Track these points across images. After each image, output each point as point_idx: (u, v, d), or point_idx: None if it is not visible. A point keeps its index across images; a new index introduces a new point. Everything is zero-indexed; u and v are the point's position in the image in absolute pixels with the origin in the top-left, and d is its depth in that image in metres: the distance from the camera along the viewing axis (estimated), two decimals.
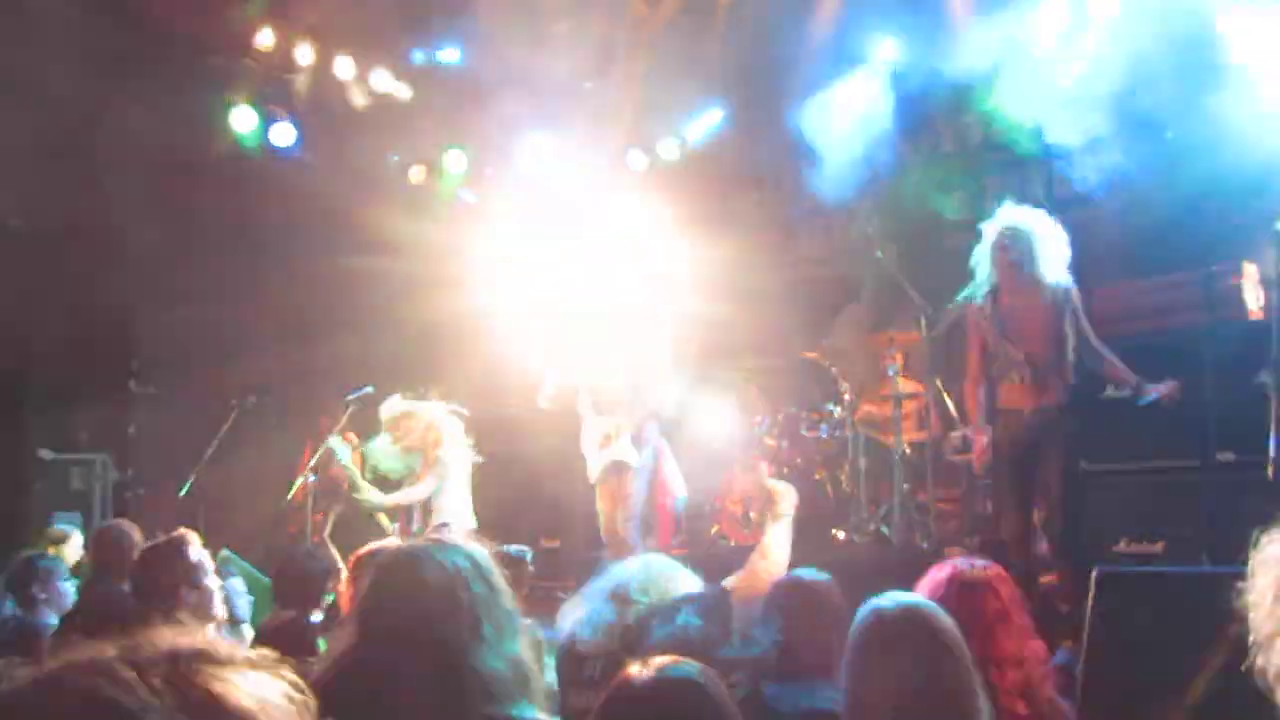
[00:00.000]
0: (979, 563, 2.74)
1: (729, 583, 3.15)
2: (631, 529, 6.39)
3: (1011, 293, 5.49)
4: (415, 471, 6.86)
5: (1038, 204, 6.12)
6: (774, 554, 3.38)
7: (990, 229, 5.57)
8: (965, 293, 5.69)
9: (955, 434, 7.29)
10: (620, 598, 2.73)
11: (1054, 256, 5.47)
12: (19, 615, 4.48)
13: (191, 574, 3.12)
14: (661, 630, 2.43)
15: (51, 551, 5.27)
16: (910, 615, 2.08)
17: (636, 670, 1.81)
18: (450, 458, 6.76)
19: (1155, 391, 5.42)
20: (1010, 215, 5.58)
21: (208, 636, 0.93)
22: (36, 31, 7.45)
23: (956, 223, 8.06)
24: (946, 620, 2.08)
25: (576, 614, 2.80)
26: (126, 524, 4.96)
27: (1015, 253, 5.41)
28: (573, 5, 8.01)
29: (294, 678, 0.94)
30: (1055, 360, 5.44)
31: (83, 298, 8.68)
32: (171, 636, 0.91)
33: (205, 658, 0.89)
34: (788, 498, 3.50)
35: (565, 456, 7.41)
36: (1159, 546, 5.77)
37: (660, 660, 1.83)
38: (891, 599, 2.14)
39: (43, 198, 8.35)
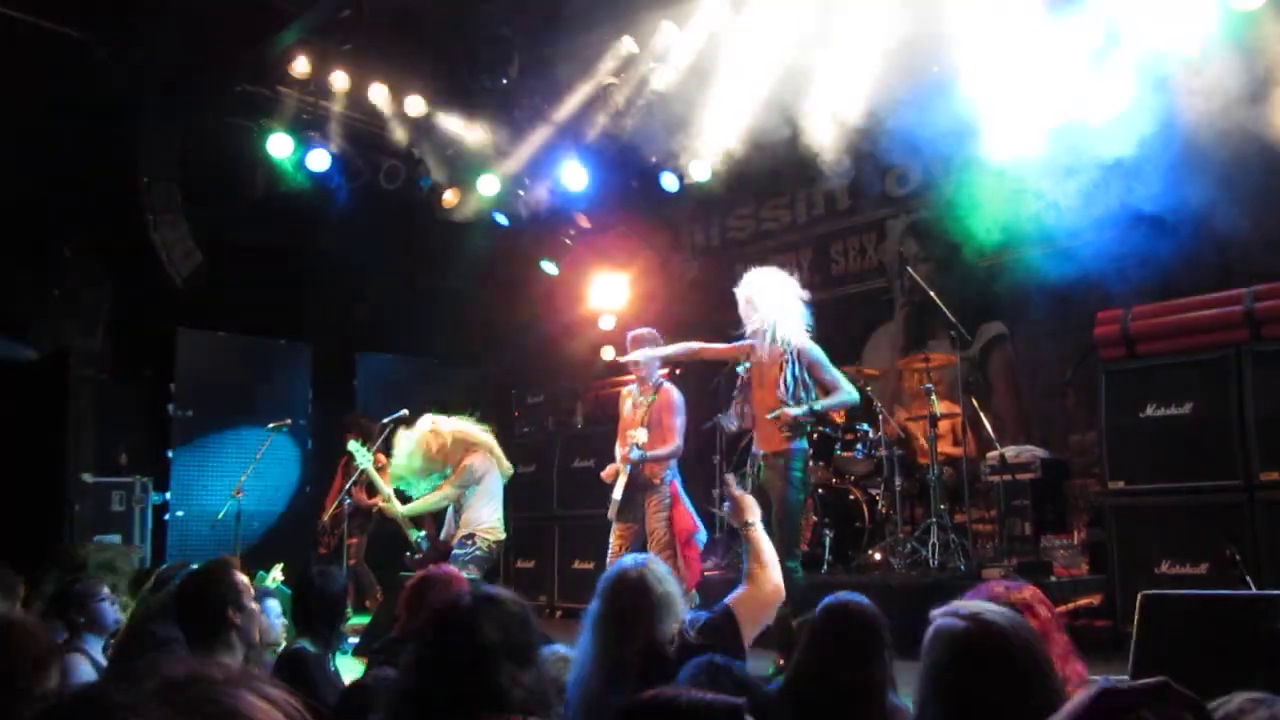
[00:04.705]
0: (1016, 584, 2.70)
1: (733, 599, 3.12)
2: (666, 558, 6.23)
3: None
4: (447, 476, 6.76)
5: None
6: (768, 558, 3.33)
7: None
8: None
9: (993, 453, 7.23)
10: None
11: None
12: (63, 639, 4.52)
13: (237, 598, 3.13)
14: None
15: None
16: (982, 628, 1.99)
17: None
18: (480, 467, 6.69)
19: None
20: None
21: (223, 661, 0.94)
22: (76, 60, 7.62)
23: (990, 243, 7.99)
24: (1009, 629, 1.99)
25: None
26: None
27: None
28: (606, 26, 8.05)
29: (294, 696, 0.96)
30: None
31: (123, 322, 8.82)
32: (190, 661, 0.92)
33: (221, 681, 0.90)
34: (754, 506, 3.52)
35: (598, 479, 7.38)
36: (1202, 568, 5.67)
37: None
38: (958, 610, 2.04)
39: (86, 225, 8.52)
